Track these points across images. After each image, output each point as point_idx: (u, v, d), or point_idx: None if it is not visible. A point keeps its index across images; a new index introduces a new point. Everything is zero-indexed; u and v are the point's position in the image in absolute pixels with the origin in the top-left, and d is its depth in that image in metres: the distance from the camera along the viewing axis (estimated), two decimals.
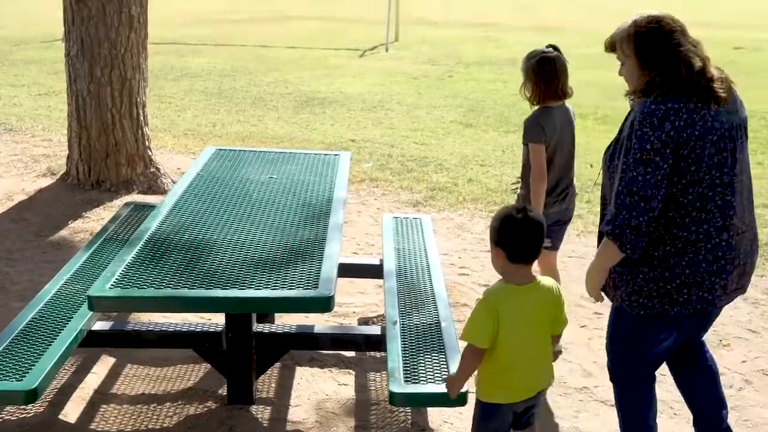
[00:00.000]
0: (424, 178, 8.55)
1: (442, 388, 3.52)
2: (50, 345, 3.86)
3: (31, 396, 3.55)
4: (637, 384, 3.62)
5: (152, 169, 8.05)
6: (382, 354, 4.42)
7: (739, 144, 3.33)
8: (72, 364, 4.69)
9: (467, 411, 3.82)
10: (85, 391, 4.47)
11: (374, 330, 4.63)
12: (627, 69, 3.39)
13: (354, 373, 4.75)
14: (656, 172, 3.17)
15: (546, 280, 3.30)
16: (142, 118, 7.95)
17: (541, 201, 4.67)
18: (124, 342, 4.54)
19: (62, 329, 4.01)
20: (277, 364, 4.67)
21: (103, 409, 4.32)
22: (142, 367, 4.74)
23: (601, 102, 11.81)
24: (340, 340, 4.58)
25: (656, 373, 3.68)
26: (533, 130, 4.70)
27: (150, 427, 4.18)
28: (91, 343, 4.36)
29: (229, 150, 5.83)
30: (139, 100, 7.88)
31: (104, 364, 4.75)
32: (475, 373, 3.33)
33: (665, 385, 4.58)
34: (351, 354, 4.90)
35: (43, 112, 11.41)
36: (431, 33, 21.20)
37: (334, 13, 25.47)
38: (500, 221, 3.19)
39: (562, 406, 4.47)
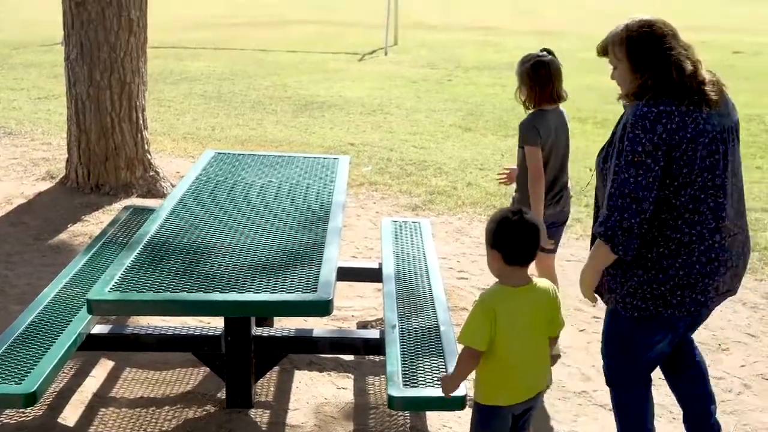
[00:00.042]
0: (423, 182, 8.56)
1: (440, 392, 3.52)
2: (49, 348, 3.86)
3: (30, 399, 3.55)
4: (633, 387, 3.63)
5: (151, 173, 8.05)
6: (381, 358, 4.42)
7: (731, 147, 3.35)
8: (71, 368, 4.69)
9: (466, 415, 3.83)
10: (84, 395, 4.47)
11: (373, 334, 4.63)
12: (619, 73, 3.43)
13: (353, 376, 4.75)
14: (648, 174, 3.20)
15: (542, 282, 3.31)
16: (141, 121, 7.96)
17: (541, 202, 4.70)
18: (123, 345, 4.54)
19: (61, 332, 4.01)
20: (276, 368, 4.67)
21: (101, 413, 4.32)
22: (141, 370, 4.74)
23: (601, 106, 11.81)
24: (339, 343, 4.58)
25: (653, 376, 3.69)
26: (529, 133, 4.73)
27: (149, 430, 4.18)
28: (90, 346, 4.36)
29: (228, 153, 5.83)
30: (138, 103, 7.89)
31: (103, 367, 4.75)
32: (472, 375, 3.33)
33: (664, 389, 4.58)
34: (350, 358, 4.90)
35: (42, 116, 11.41)
36: (430, 37, 21.21)
37: (333, 17, 25.49)
38: (496, 224, 3.20)
39: (561, 410, 4.47)
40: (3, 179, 8.36)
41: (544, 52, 4.78)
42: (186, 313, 4.44)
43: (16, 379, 3.60)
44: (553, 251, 4.98)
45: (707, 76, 3.33)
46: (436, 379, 3.66)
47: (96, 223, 7.05)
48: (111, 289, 3.64)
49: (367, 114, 12.06)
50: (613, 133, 3.40)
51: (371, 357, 4.85)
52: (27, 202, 7.63)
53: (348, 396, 4.55)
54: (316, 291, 3.64)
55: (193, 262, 3.91)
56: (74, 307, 4.26)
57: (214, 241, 4.16)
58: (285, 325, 5.06)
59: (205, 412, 4.33)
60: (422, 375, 3.71)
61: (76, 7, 7.54)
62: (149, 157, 8.10)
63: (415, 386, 3.63)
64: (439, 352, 3.92)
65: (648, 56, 3.30)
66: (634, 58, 3.33)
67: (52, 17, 13.30)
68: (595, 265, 3.42)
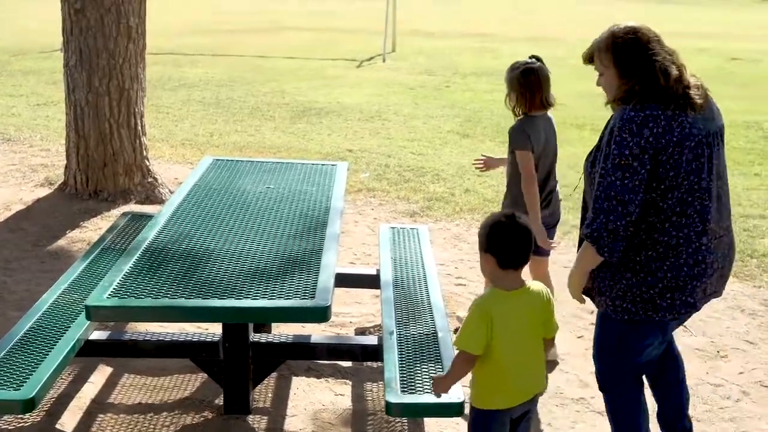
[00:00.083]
0: (421, 188, 8.56)
1: (438, 398, 3.52)
2: (48, 354, 3.86)
3: (29, 405, 3.55)
4: (625, 391, 3.65)
5: (150, 179, 8.06)
6: (379, 364, 4.42)
7: (716, 150, 3.39)
8: (69, 374, 4.69)
9: (464, 421, 3.83)
10: (82, 401, 4.47)
11: (371, 340, 4.64)
12: (606, 79, 3.47)
13: (351, 383, 4.76)
14: (634, 177, 3.23)
15: (535, 285, 3.35)
16: (139, 128, 7.97)
17: (537, 204, 4.77)
18: (121, 351, 4.54)
19: (60, 339, 4.02)
20: (274, 374, 4.67)
21: (100, 419, 4.32)
22: (139, 376, 4.74)
23: (597, 112, 11.75)
24: (337, 350, 4.58)
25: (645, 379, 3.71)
26: (519, 138, 4.79)
27: None
28: (89, 352, 4.36)
29: (227, 160, 5.83)
30: (137, 110, 7.90)
31: (101, 373, 4.75)
32: (469, 377, 3.35)
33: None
34: (348, 364, 4.91)
35: (41, 122, 11.42)
36: (428, 44, 21.24)
37: (331, 24, 25.52)
38: (489, 228, 3.23)
39: (559, 416, 4.48)
40: (2, 185, 8.37)
41: (533, 59, 4.85)
42: (184, 319, 4.45)
43: (15, 385, 3.60)
44: (547, 254, 5.01)
45: (692, 81, 3.39)
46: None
47: (94, 229, 7.06)
48: (109, 295, 3.64)
49: (365, 120, 12.07)
50: (601, 138, 3.45)
51: (369, 363, 4.86)
52: (26, 209, 7.64)
53: (346, 402, 4.55)
54: (314, 297, 3.65)
55: (192, 268, 3.91)
56: (73, 313, 4.27)
57: (212, 247, 4.17)
58: (283, 331, 5.07)
59: (203, 419, 4.33)
60: (420, 381, 3.71)
61: (75, 14, 7.55)
62: (148, 163, 8.10)
63: (413, 392, 3.64)
64: (436, 359, 3.93)
65: (634, 62, 3.34)
66: (621, 64, 3.38)
67: (51, 24, 13.32)
68: (582, 266, 3.46)
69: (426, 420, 4.34)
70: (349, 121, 12.01)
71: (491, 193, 8.34)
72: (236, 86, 14.63)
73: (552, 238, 5.02)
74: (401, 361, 3.89)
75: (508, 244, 3.19)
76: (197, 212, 4.66)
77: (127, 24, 7.63)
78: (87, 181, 7.86)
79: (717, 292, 3.57)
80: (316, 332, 5.13)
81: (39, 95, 13.42)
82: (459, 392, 3.54)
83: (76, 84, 7.69)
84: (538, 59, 4.84)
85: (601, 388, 3.73)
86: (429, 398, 3.58)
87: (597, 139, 3.52)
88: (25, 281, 5.99)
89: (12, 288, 5.88)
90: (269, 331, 5.01)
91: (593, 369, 4.81)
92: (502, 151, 10.23)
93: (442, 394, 3.45)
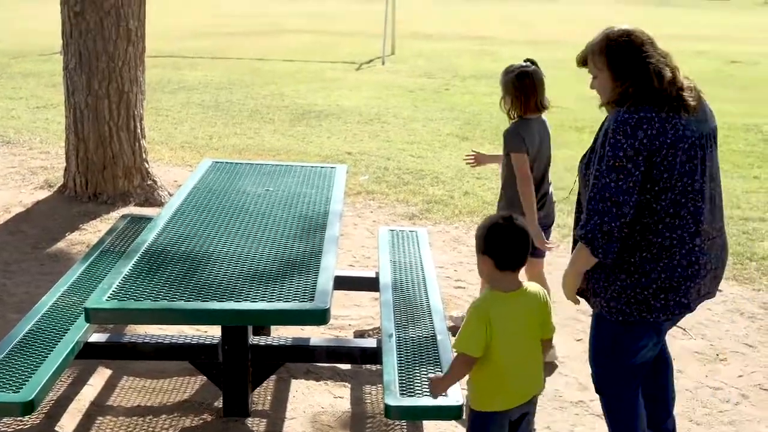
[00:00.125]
0: (420, 191, 8.57)
1: (437, 401, 3.53)
2: (47, 357, 3.86)
3: (28, 408, 3.56)
4: (621, 393, 3.66)
5: (149, 182, 8.06)
6: (378, 367, 4.42)
7: (709, 152, 3.41)
8: (68, 376, 4.69)
9: (463, 424, 3.83)
10: (82, 403, 4.47)
11: (370, 343, 4.64)
12: (600, 82, 3.49)
13: (350, 386, 4.76)
14: (628, 179, 3.25)
15: (532, 286, 3.36)
16: (139, 130, 7.97)
17: (534, 205, 4.80)
18: (120, 354, 4.54)
19: (59, 341, 4.02)
20: (273, 377, 4.67)
21: (99, 421, 4.32)
22: (138, 379, 4.74)
23: (597, 115, 11.73)
24: (336, 352, 4.58)
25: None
26: (514, 140, 4.83)
27: None
28: (88, 355, 4.37)
29: (226, 162, 5.84)
30: (136, 112, 7.90)
31: (100, 376, 4.76)
32: (466, 379, 3.35)
33: None
34: (347, 367, 4.91)
35: (40, 125, 11.42)
36: (427, 46, 21.25)
37: (330, 27, 25.52)
38: (486, 230, 3.25)
39: (558, 419, 4.48)
40: (1, 188, 8.37)
41: (528, 63, 4.89)
42: (183, 321, 4.45)
43: (14, 388, 3.61)
44: (543, 256, 5.03)
45: (685, 83, 3.40)
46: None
47: (94, 231, 7.06)
48: (109, 297, 3.65)
49: (365, 123, 12.07)
50: (595, 140, 3.48)
51: (368, 366, 4.86)
52: (25, 211, 7.64)
53: (345, 405, 4.55)
54: (313, 300, 3.65)
55: (191, 270, 3.92)
56: (72, 316, 4.27)
57: (211, 249, 4.17)
58: (282, 333, 5.07)
59: (202, 421, 4.33)
60: (419, 384, 3.71)
61: (74, 16, 7.56)
62: (147, 166, 8.11)
63: (412, 395, 3.64)
64: (435, 362, 3.93)
65: (628, 64, 3.36)
66: (615, 67, 3.40)
67: (50, 27, 13.32)
68: (577, 267, 3.48)
69: (425, 423, 4.34)
70: (348, 123, 12.01)
71: (490, 195, 8.35)
72: (235, 89, 14.64)
73: (547, 239, 5.04)
74: (400, 364, 3.89)
75: (505, 245, 3.21)
76: (196, 215, 4.66)
77: (126, 27, 7.63)
78: (86, 183, 7.86)
79: (710, 293, 3.58)
80: (315, 335, 5.13)
81: (39, 98, 13.43)
82: (458, 395, 3.55)
83: (76, 87, 7.70)
84: (533, 62, 4.89)
85: (597, 390, 3.75)
86: (428, 401, 3.58)
87: None
88: (25, 283, 6.00)
89: (11, 290, 5.89)
90: (268, 334, 5.01)
91: None
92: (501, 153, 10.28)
93: (442, 397, 3.46)
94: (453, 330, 4.75)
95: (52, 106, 12.52)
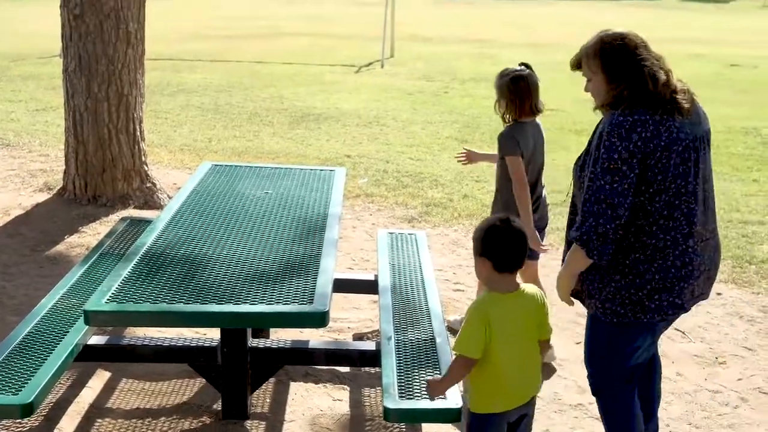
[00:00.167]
0: (419, 194, 8.57)
1: (436, 404, 3.53)
2: (46, 359, 3.86)
3: (27, 410, 3.56)
4: (617, 394, 3.67)
5: (148, 185, 8.06)
6: (377, 369, 4.42)
7: (702, 154, 3.43)
8: (68, 378, 4.69)
9: (461, 427, 3.83)
10: (81, 406, 4.47)
11: (369, 345, 4.64)
12: (594, 85, 3.51)
13: (348, 388, 4.76)
14: (623, 181, 3.27)
15: (529, 287, 3.39)
16: (138, 133, 7.97)
17: (529, 208, 4.82)
18: (119, 356, 4.54)
19: (58, 343, 4.02)
20: (272, 379, 4.67)
21: (98, 424, 4.32)
22: (137, 381, 4.74)
23: (596, 118, 11.77)
24: (335, 355, 4.58)
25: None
26: (508, 143, 4.85)
27: None
28: (87, 357, 4.37)
29: (225, 165, 5.84)
30: (135, 115, 7.91)
31: (100, 378, 4.76)
32: (462, 383, 3.36)
33: (661, 402, 4.60)
34: (346, 369, 4.91)
35: (40, 128, 11.42)
36: (426, 49, 21.26)
37: (329, 30, 25.53)
38: (484, 232, 3.26)
39: (558, 422, 4.48)
40: (1, 190, 8.37)
41: (523, 66, 4.91)
42: (182, 324, 4.45)
43: (13, 390, 3.61)
44: (537, 257, 5.05)
45: (679, 85, 3.42)
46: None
47: (93, 234, 7.06)
48: (108, 300, 3.65)
49: (364, 126, 12.08)
50: (590, 142, 3.49)
51: (367, 369, 4.86)
52: (24, 214, 7.64)
53: (344, 408, 4.56)
54: (312, 302, 3.65)
55: (190, 273, 3.92)
56: (71, 318, 4.27)
57: (210, 252, 4.17)
58: (281, 336, 5.07)
59: (201, 424, 4.33)
60: (418, 387, 3.72)
61: (74, 19, 7.56)
62: (146, 168, 8.11)
63: (411, 398, 3.64)
64: (434, 364, 3.93)
65: (623, 67, 3.38)
66: (610, 70, 3.41)
67: (50, 29, 13.33)
68: (571, 269, 3.49)
69: (423, 425, 4.34)
70: (347, 126, 12.02)
71: (489, 198, 8.29)
72: (235, 92, 14.64)
73: (541, 241, 5.06)
74: (399, 366, 3.90)
75: (504, 247, 3.23)
76: (195, 217, 4.66)
77: (126, 30, 7.64)
78: (86, 186, 7.86)
79: (704, 294, 3.60)
80: (314, 337, 5.14)
81: (38, 100, 13.43)
82: (457, 398, 3.55)
83: (75, 89, 7.70)
84: (528, 66, 4.91)
85: (594, 393, 3.76)
86: (427, 404, 3.58)
87: None
88: (24, 286, 6.00)
89: (11, 293, 5.89)
90: (267, 337, 5.01)
91: None
92: None
93: (441, 400, 3.46)
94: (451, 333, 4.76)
95: (52, 108, 12.52)
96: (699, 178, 3.39)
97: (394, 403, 3.59)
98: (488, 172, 9.53)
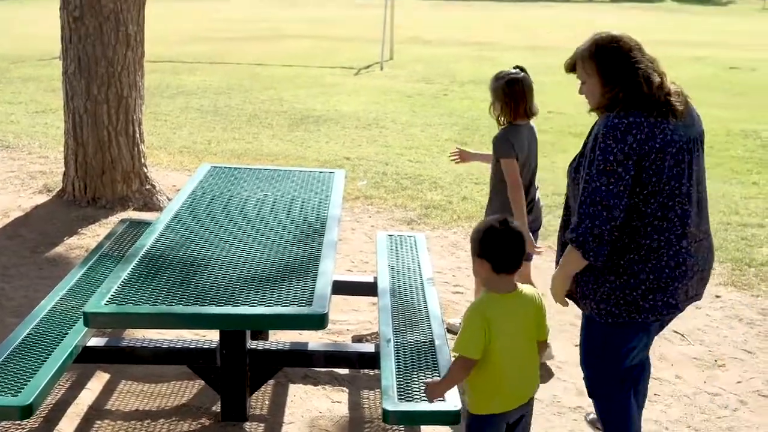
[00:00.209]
0: (418, 196, 8.57)
1: (435, 406, 3.53)
2: (45, 361, 3.86)
3: (27, 412, 3.56)
4: (613, 395, 3.69)
5: (148, 186, 8.06)
6: (376, 372, 4.43)
7: (696, 156, 3.45)
8: (67, 380, 4.69)
9: (460, 429, 3.83)
10: (80, 407, 4.47)
11: (368, 348, 4.65)
12: (589, 87, 3.53)
13: (347, 390, 4.76)
14: (619, 183, 3.29)
15: (527, 288, 3.41)
16: (138, 135, 7.98)
17: (524, 210, 4.85)
18: (118, 358, 4.54)
19: (57, 345, 4.02)
20: (271, 381, 4.67)
21: (97, 425, 4.32)
22: (136, 383, 4.74)
23: (595, 120, 11.81)
24: (334, 357, 4.59)
25: (651, 393, 3.73)
26: (503, 146, 4.89)
27: None
28: (86, 359, 4.37)
29: (225, 167, 5.85)
30: (135, 117, 7.91)
31: (99, 380, 4.76)
32: (460, 386, 3.36)
33: (660, 405, 4.61)
34: (345, 371, 4.91)
35: (40, 130, 11.43)
36: (426, 52, 21.27)
37: (328, 32, 25.55)
38: (482, 233, 3.28)
39: (557, 425, 4.48)
40: (0, 192, 8.37)
41: (517, 69, 4.94)
42: (182, 326, 4.44)
43: (13, 392, 3.61)
44: (530, 259, 5.09)
45: (672, 88, 3.45)
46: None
47: (92, 236, 7.06)
48: (107, 301, 3.65)
49: (363, 128, 12.08)
50: (585, 144, 3.51)
51: (366, 371, 4.86)
52: (24, 215, 7.64)
53: (343, 409, 4.56)
54: (311, 304, 3.66)
55: (189, 275, 3.92)
56: (70, 320, 4.27)
57: (210, 254, 4.18)
58: (280, 338, 5.08)
59: (200, 425, 4.33)
60: (417, 389, 3.72)
61: (74, 21, 7.57)
62: (146, 170, 8.11)
63: (410, 400, 3.64)
64: (434, 367, 3.93)
65: (618, 70, 3.40)
66: (604, 72, 3.43)
67: (50, 31, 13.33)
68: (567, 270, 3.51)
69: (423, 428, 4.34)
70: (346, 128, 12.02)
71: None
72: (234, 94, 14.65)
73: (535, 243, 5.09)
74: (398, 368, 3.90)
75: (502, 248, 3.25)
76: (195, 219, 4.67)
77: (125, 32, 7.64)
78: (85, 188, 7.86)
79: (698, 295, 3.63)
80: (314, 339, 5.14)
81: (38, 102, 13.44)
82: (456, 400, 3.55)
83: (75, 92, 7.70)
84: (522, 69, 4.94)
85: (590, 394, 3.78)
86: (426, 406, 3.58)
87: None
88: (23, 288, 6.00)
89: (10, 294, 5.89)
90: (266, 338, 5.01)
91: None
92: None
93: (440, 402, 3.46)
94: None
95: (51, 110, 12.53)
96: (693, 179, 3.41)
97: (393, 405, 3.59)
98: (487, 174, 9.46)
